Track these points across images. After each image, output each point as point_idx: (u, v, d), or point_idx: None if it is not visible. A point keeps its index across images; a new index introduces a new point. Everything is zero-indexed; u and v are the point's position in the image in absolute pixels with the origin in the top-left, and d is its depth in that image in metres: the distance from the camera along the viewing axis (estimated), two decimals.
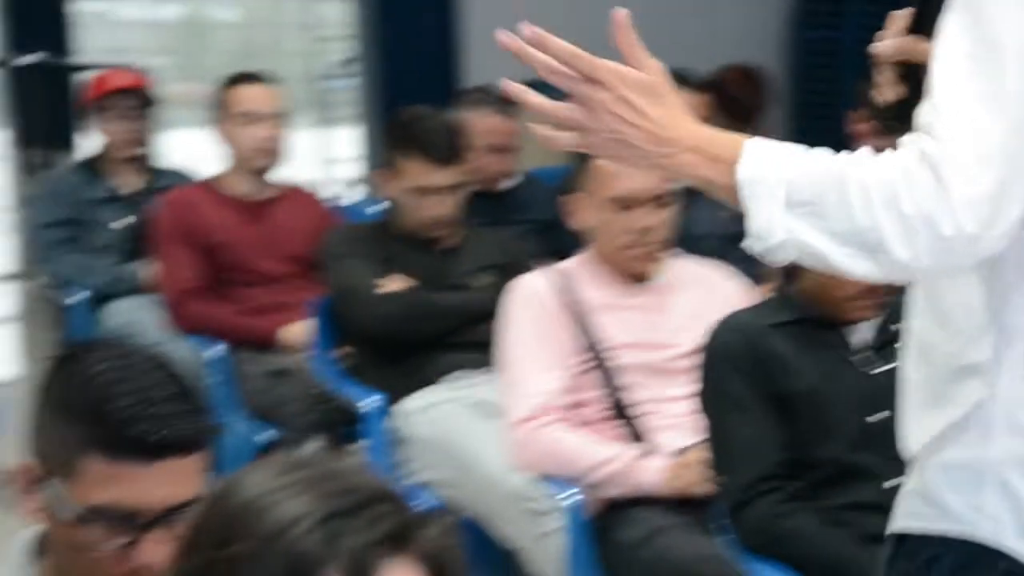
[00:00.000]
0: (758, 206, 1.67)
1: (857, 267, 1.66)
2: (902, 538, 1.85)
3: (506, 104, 4.59)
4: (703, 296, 3.20)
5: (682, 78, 4.68)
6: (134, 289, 4.52)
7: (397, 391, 3.57)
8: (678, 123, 1.75)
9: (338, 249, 3.80)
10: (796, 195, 1.67)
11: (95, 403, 1.75)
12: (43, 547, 1.82)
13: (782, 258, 1.70)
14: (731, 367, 2.72)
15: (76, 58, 6.12)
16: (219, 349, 4.08)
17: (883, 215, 1.62)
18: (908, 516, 1.84)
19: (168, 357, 1.85)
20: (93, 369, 1.77)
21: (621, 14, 1.77)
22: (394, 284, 3.69)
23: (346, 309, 3.74)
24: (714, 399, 2.76)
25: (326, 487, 1.20)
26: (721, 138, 1.73)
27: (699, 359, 2.79)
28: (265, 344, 4.11)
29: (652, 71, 1.76)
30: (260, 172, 4.37)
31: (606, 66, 1.77)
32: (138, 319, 4.35)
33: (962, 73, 1.61)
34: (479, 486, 3.23)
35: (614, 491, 3.01)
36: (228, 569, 1.16)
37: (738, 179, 1.68)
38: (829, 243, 1.66)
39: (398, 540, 1.19)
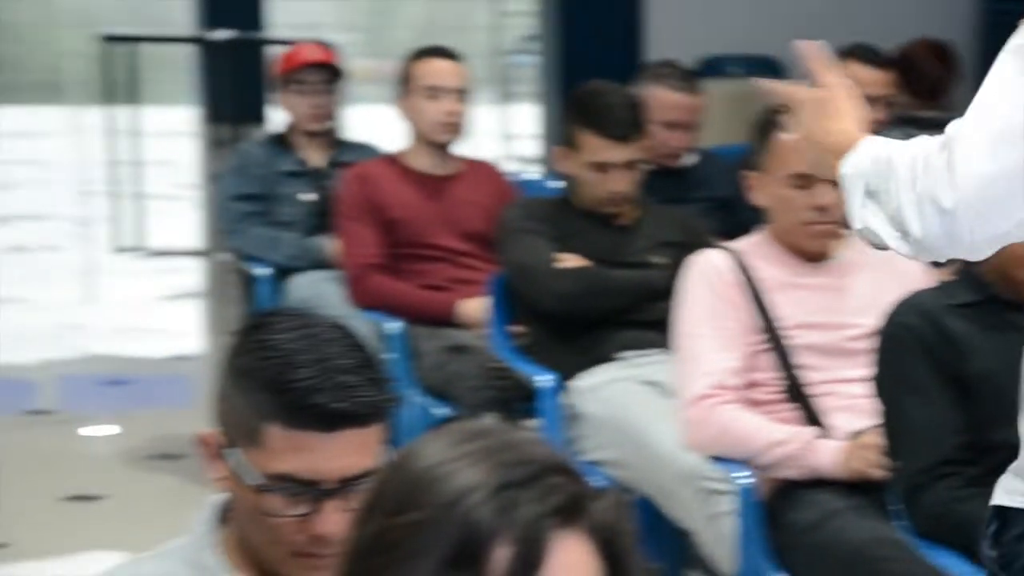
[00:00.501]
0: (850, 199, 1.90)
1: (901, 248, 1.86)
2: (1001, 512, 2.03)
3: (687, 80, 4.57)
4: (882, 276, 3.16)
5: (867, 55, 4.60)
6: (318, 263, 4.61)
7: (571, 368, 3.59)
8: (835, 128, 1.98)
9: (515, 225, 3.83)
10: (869, 186, 1.88)
11: (277, 372, 1.79)
12: (226, 514, 1.87)
13: (872, 243, 1.90)
14: (910, 349, 2.68)
15: (266, 33, 6.25)
16: (397, 324, 4.14)
17: (904, 195, 1.82)
18: (1005, 493, 2.03)
19: (350, 328, 1.89)
20: (276, 339, 1.81)
21: (803, 47, 2.09)
22: (570, 261, 3.71)
23: (522, 285, 3.77)
24: (891, 381, 2.72)
25: (501, 457, 1.22)
26: (851, 137, 1.95)
27: (876, 341, 2.76)
28: (442, 320, 4.15)
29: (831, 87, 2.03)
30: (442, 147, 4.41)
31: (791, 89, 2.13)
32: (321, 293, 4.43)
33: (996, 93, 1.81)
34: (651, 465, 3.24)
35: (787, 473, 2.99)
36: (402, 536, 1.19)
37: (839, 174, 1.91)
38: (887, 227, 1.86)
39: (570, 513, 1.20)
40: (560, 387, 3.57)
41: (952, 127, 1.83)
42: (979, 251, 1.84)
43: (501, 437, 1.26)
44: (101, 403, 6.21)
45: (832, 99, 2.00)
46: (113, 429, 5.72)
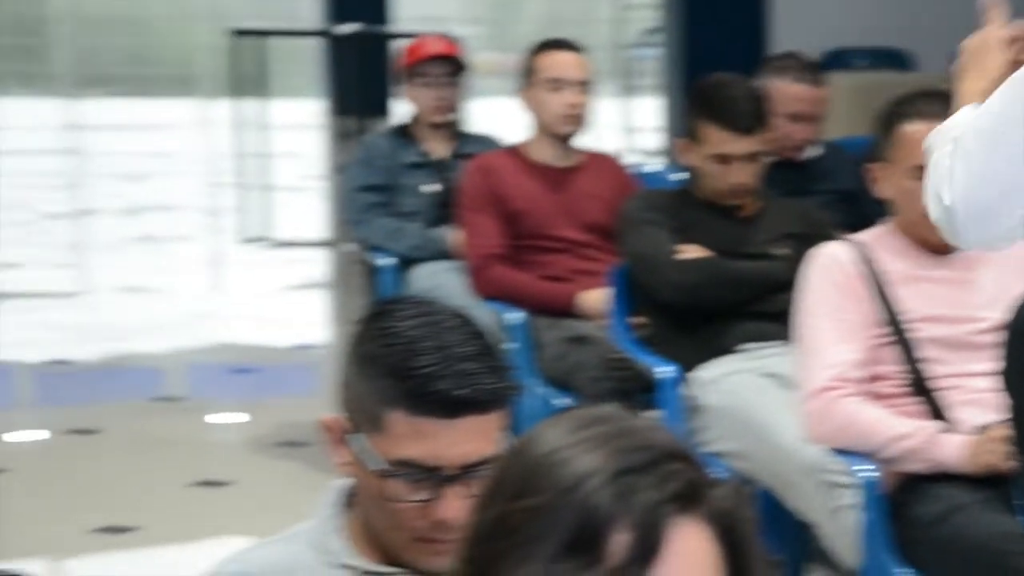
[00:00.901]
0: (928, 172, 2.00)
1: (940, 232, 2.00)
2: None
3: (812, 72, 4.54)
4: (1010, 270, 3.11)
5: None
6: (440, 253, 4.64)
7: (692, 360, 3.58)
8: (960, 88, 2.04)
9: (636, 216, 3.83)
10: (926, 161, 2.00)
11: (400, 359, 1.81)
12: (350, 499, 1.90)
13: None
14: None
15: (392, 27, 6.32)
16: (518, 315, 4.16)
17: (928, 186, 1.97)
18: None
19: (471, 316, 1.91)
20: (399, 326, 1.84)
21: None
22: (692, 252, 3.70)
23: (643, 276, 3.77)
24: (1019, 376, 2.68)
25: (619, 443, 1.22)
26: (959, 102, 2.03)
27: (1003, 335, 2.72)
28: (564, 311, 4.17)
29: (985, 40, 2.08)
30: (564, 139, 4.43)
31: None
32: (443, 283, 4.47)
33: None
34: (773, 458, 3.22)
35: (911, 467, 2.96)
36: (521, 521, 1.20)
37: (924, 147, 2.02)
38: (934, 208, 1.96)
39: (688, 499, 1.21)
40: (681, 378, 3.57)
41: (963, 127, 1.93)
42: (982, 247, 1.98)
43: (620, 423, 1.26)
44: (229, 391, 6.31)
45: (979, 53, 2.02)
46: (240, 417, 5.81)
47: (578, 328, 4.07)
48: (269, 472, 5.05)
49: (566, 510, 1.19)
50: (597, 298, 4.09)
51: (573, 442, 1.24)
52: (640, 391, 3.68)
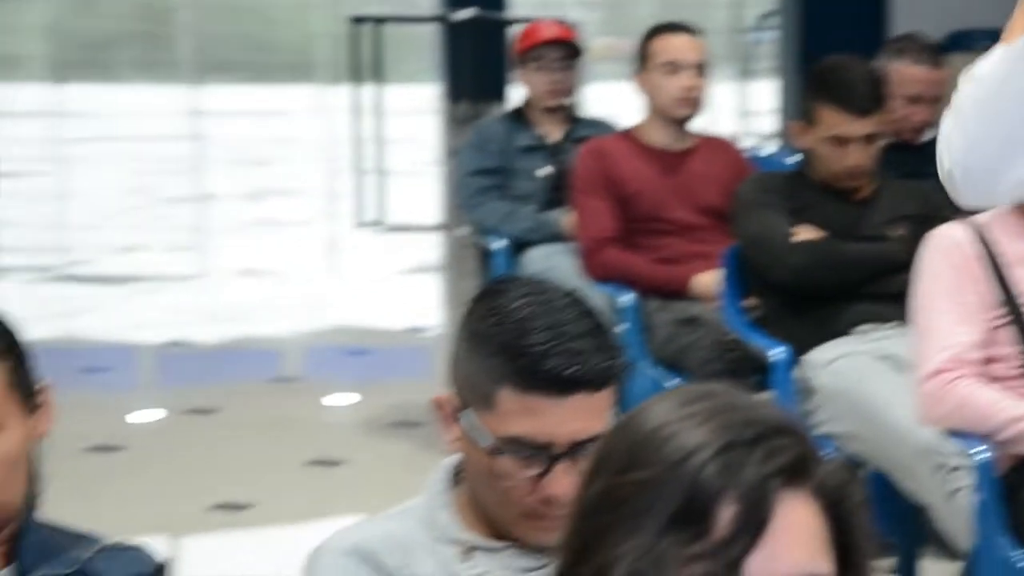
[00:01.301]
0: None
1: None
2: None
3: (931, 54, 4.48)
4: None
5: None
6: (553, 236, 4.66)
7: (805, 342, 3.56)
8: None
9: (751, 198, 3.81)
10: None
11: (512, 337, 1.83)
12: (459, 476, 1.92)
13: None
14: None
15: (507, 12, 6.33)
16: (630, 297, 4.17)
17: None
18: None
19: (582, 295, 1.91)
20: (512, 304, 1.85)
21: None
22: (806, 233, 3.68)
23: (757, 258, 3.76)
24: None
25: (727, 418, 1.23)
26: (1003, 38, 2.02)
27: None
28: (676, 293, 4.16)
29: None
30: (680, 122, 4.41)
31: None
32: (555, 266, 4.48)
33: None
34: (886, 440, 3.20)
35: None
36: (628, 494, 1.21)
37: None
38: (939, 170, 1.98)
39: (796, 473, 1.21)
40: (793, 360, 3.55)
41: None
42: (981, 206, 2.00)
43: (727, 399, 1.26)
44: (343, 372, 6.39)
45: None
46: (354, 397, 5.87)
47: (690, 310, 4.07)
48: (382, 452, 5.10)
49: (673, 484, 1.20)
50: (710, 280, 4.08)
51: (681, 417, 1.24)
52: (752, 373, 3.67)
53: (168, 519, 4.33)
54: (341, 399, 5.86)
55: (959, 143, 1.92)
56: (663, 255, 4.29)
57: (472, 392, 1.85)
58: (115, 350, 6.57)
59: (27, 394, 1.81)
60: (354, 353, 6.73)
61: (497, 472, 1.82)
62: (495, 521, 1.87)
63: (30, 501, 1.87)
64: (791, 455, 1.21)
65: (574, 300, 1.89)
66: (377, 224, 9.09)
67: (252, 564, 4.14)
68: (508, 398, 1.81)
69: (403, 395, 5.69)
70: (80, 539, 1.85)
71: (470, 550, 1.87)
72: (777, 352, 3.57)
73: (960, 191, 1.97)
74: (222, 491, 4.65)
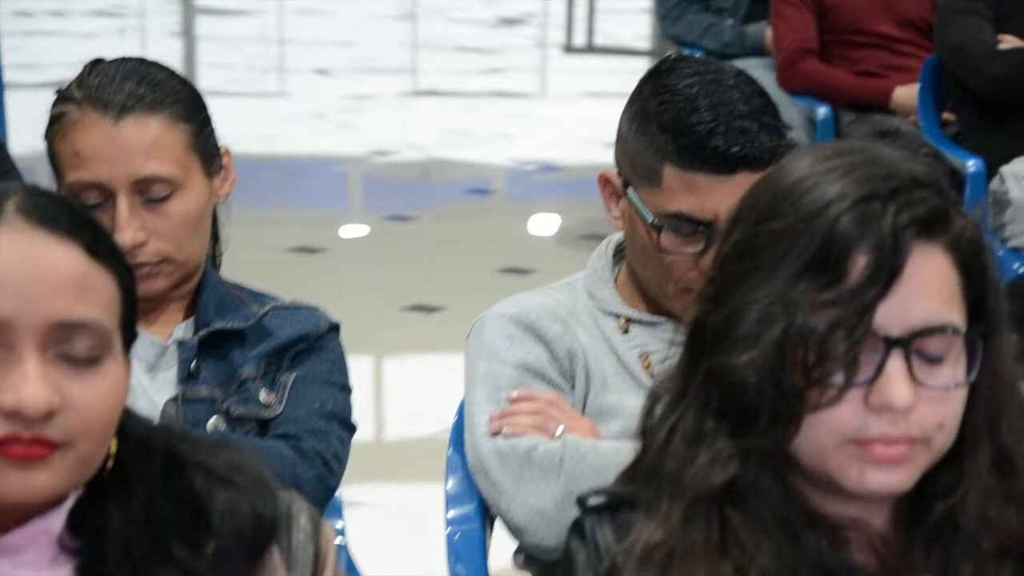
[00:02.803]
0: None
1: None
2: None
3: None
4: None
5: None
6: (753, 49, 4.60)
7: (1003, 154, 3.49)
8: None
9: (955, 6, 3.72)
10: None
11: (678, 115, 1.84)
12: (621, 254, 1.97)
13: None
14: None
15: None
16: (826, 109, 4.12)
17: None
18: None
19: (751, 77, 1.91)
20: (680, 83, 1.86)
21: None
22: (1011, 43, 3.59)
23: (957, 68, 3.69)
24: None
25: (868, 171, 1.23)
26: None
27: None
28: (875, 105, 4.10)
29: None
30: None
31: None
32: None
33: None
34: None
35: None
36: (767, 242, 1.23)
37: None
38: None
39: (931, 226, 1.21)
40: (989, 173, 3.49)
41: None
42: None
43: (871, 153, 1.27)
44: (544, 192, 6.44)
45: None
46: (551, 214, 5.94)
47: (887, 123, 4.01)
48: (572, 262, 5.12)
49: (810, 233, 1.21)
50: (911, 93, 4.01)
51: (822, 170, 1.25)
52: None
53: (364, 317, 4.46)
54: (538, 215, 5.93)
55: None
56: (862, 68, 4.22)
57: (637, 170, 1.87)
58: (323, 164, 6.72)
59: (209, 157, 1.89)
60: (553, 170, 6.77)
61: (659, 248, 1.84)
62: (653, 296, 1.90)
63: (211, 259, 1.95)
64: (927, 207, 1.21)
65: (743, 80, 1.89)
66: (586, 49, 9.07)
67: (439, 359, 4.27)
68: (672, 175, 1.83)
69: (597, 212, 5.70)
70: (257, 296, 1.93)
71: (628, 323, 1.91)
72: (973, 164, 3.51)
73: None
74: (415, 294, 4.78)
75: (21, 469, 1.20)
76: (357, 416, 1.93)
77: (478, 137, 7.51)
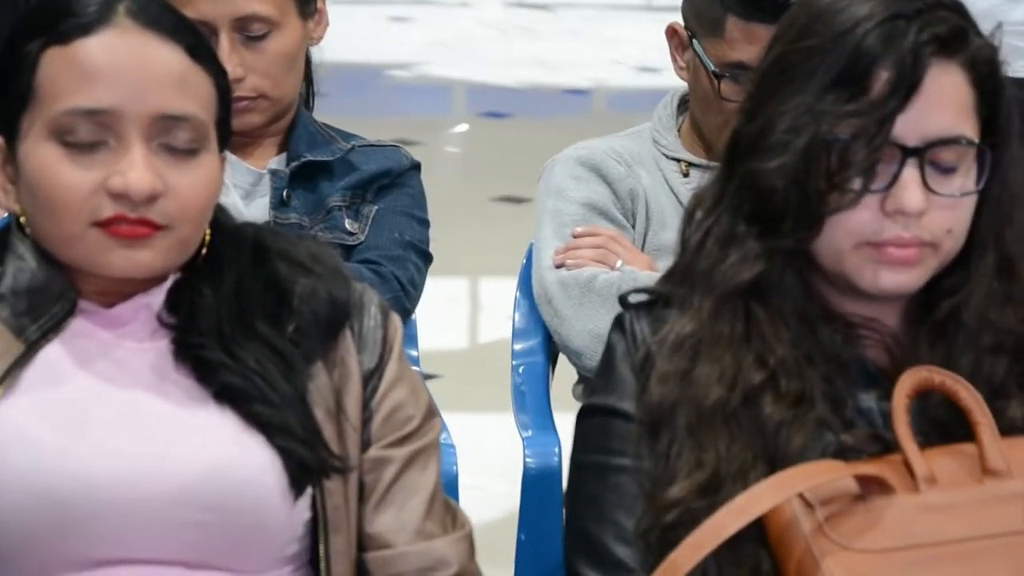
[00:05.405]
0: None
1: None
2: None
3: None
4: None
5: None
6: None
7: None
8: None
9: None
10: None
11: None
12: (684, 105, 2.10)
13: None
14: None
15: None
16: None
17: None
18: None
19: None
20: None
21: None
22: None
23: None
24: None
25: None
26: None
27: None
28: None
29: None
30: None
31: None
32: None
33: None
34: None
35: None
36: (800, 59, 1.35)
37: None
38: None
39: (949, 44, 1.32)
40: None
41: None
42: None
43: None
44: (640, 102, 6.51)
45: None
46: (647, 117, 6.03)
47: None
48: None
49: (838, 50, 1.33)
50: None
51: None
52: None
53: (457, 206, 4.60)
54: (631, 116, 6.03)
55: None
56: None
57: (702, 21, 2.00)
58: (433, 84, 6.81)
59: (304, 0, 2.03)
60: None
61: (719, 95, 1.97)
62: (713, 143, 2.03)
63: (304, 99, 2.10)
64: (947, 27, 1.33)
65: None
66: None
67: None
68: (734, 25, 1.96)
69: None
70: (345, 135, 2.08)
71: (689, 167, 2.04)
72: None
73: None
74: (505, 185, 4.91)
75: (127, 247, 1.34)
76: None
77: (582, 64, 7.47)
